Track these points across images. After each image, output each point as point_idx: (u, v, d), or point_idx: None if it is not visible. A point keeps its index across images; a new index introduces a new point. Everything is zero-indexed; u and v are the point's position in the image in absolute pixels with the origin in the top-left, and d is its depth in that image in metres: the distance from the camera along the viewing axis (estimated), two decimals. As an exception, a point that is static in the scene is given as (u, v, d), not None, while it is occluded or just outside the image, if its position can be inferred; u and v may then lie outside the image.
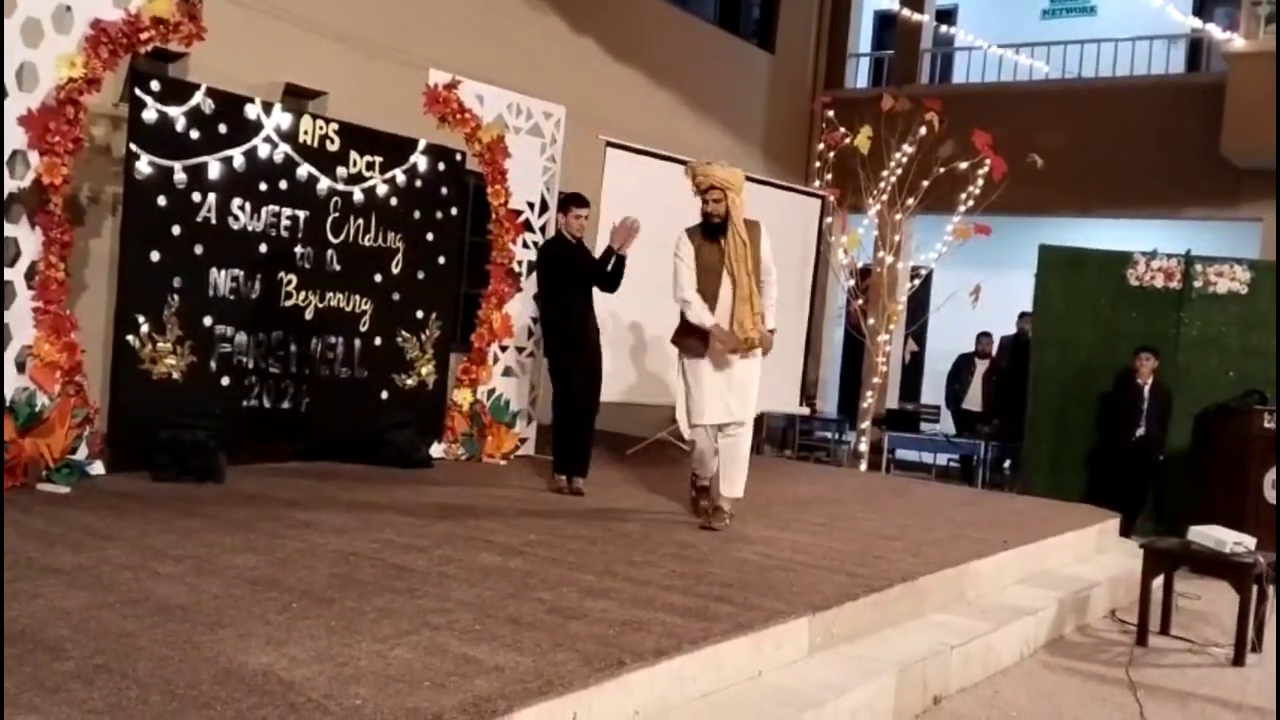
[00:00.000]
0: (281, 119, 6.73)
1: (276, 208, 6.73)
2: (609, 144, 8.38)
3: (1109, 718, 4.62)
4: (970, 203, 10.38)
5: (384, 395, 7.38)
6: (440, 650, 3.30)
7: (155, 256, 6.20)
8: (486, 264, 7.93)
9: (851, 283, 11.12)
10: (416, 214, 7.46)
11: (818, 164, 11.08)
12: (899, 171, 10.46)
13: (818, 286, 10.64)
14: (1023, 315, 11.64)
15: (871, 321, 10.90)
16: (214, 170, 6.40)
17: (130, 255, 6.15)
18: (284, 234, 6.78)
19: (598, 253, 6.85)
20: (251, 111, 6.59)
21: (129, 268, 6.15)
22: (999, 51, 13.19)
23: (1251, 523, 7.09)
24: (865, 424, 10.79)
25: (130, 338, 6.12)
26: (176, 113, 6.21)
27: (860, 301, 10.99)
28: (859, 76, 15.05)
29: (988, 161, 10.11)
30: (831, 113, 10.71)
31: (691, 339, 5.89)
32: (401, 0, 9.14)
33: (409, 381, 7.51)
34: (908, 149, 10.33)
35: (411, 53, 8.51)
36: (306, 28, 8.14)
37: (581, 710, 3.11)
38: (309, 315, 6.95)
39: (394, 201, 7.32)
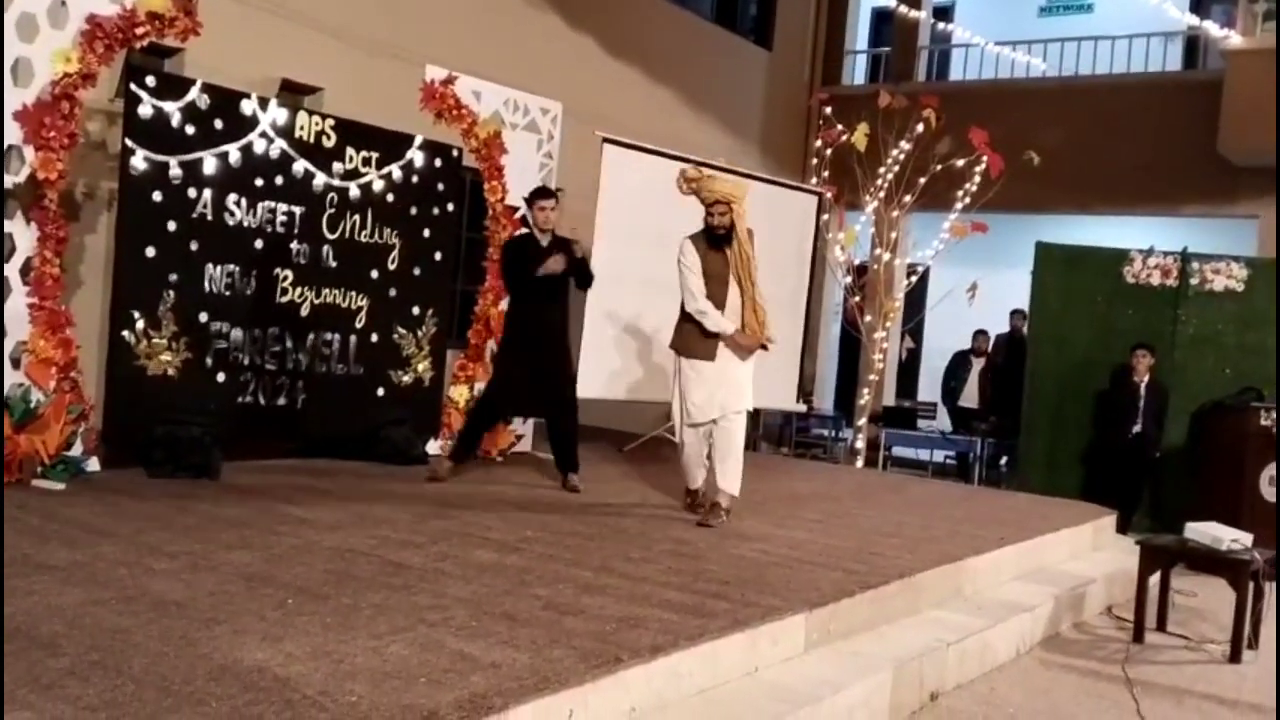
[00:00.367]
0: (277, 114, 6.72)
1: (272, 203, 6.71)
2: (606, 140, 8.37)
3: (1105, 714, 4.62)
4: (967, 200, 10.38)
5: (380, 392, 7.37)
6: (436, 647, 3.29)
7: (151, 252, 6.18)
8: (483, 260, 7.92)
9: (848, 280, 11.12)
10: (413, 210, 7.45)
11: (815, 161, 11.07)
12: (896, 168, 10.46)
13: (814, 283, 10.63)
14: (1015, 313, 11.66)
15: (868, 319, 10.90)
16: (210, 166, 6.39)
17: (125, 251, 6.14)
18: (280, 230, 6.77)
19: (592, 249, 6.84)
20: (247, 107, 6.57)
21: (124, 263, 6.14)
22: (996, 49, 13.19)
23: (1248, 520, 7.10)
24: (862, 421, 10.79)
25: (125, 334, 6.10)
26: (172, 108, 6.20)
27: (857, 299, 10.99)
28: (856, 73, 15.04)
29: (985, 159, 10.12)
30: (829, 110, 10.70)
31: (692, 341, 5.92)
32: (398, -4, 9.12)
33: (405, 378, 7.50)
34: (905, 146, 10.33)
35: (408, 49, 8.49)
36: (303, 23, 8.12)
37: (578, 707, 3.10)
38: (305, 311, 6.94)
39: (390, 197, 7.31)
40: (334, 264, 7.04)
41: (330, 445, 7.06)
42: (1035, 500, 8.14)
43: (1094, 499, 8.33)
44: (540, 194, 6.75)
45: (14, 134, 5.42)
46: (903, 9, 13.33)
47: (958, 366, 11.84)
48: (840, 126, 10.44)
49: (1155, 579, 5.95)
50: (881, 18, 15.47)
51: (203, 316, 6.43)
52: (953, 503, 7.65)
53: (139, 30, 5.74)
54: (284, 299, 6.83)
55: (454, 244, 8.07)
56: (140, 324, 6.15)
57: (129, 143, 6.06)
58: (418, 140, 7.45)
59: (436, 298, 7.67)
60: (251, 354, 6.69)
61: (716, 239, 5.88)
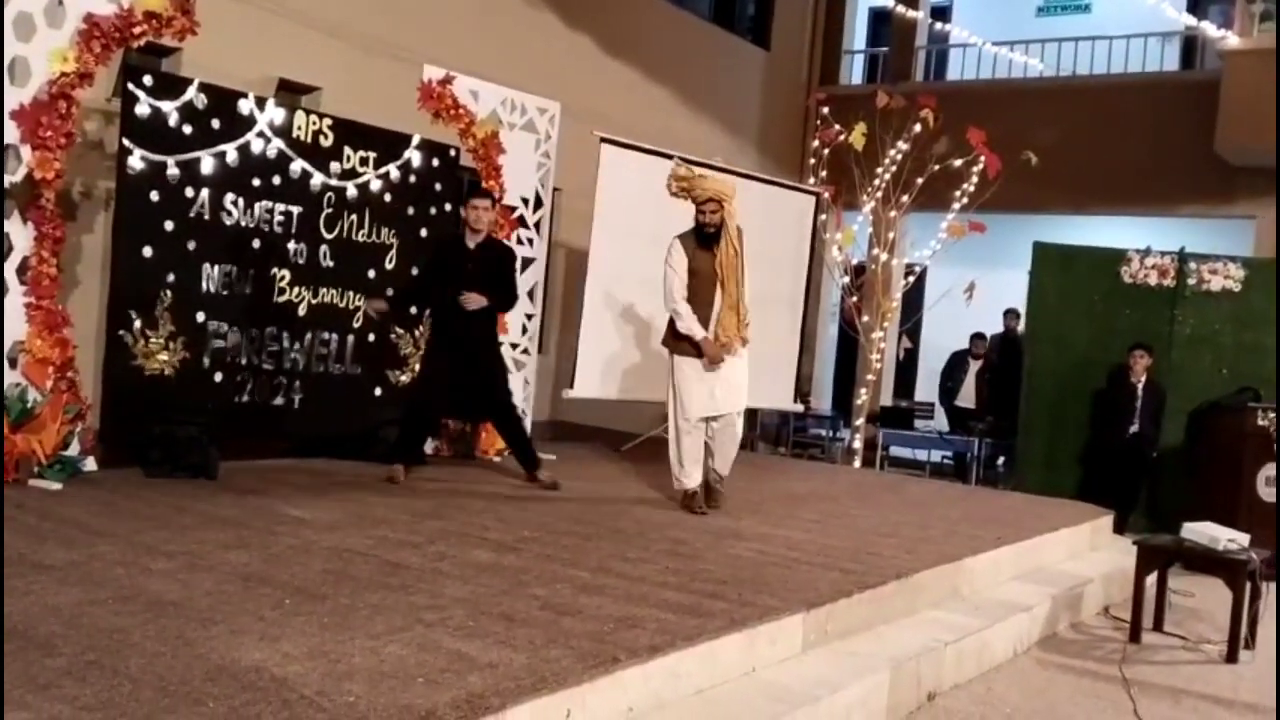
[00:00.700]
0: (275, 114, 6.71)
1: (270, 203, 6.71)
2: (604, 140, 8.37)
3: (1102, 714, 4.62)
4: (965, 200, 10.38)
5: (377, 391, 7.37)
6: (434, 647, 3.29)
7: (148, 252, 6.18)
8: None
9: (846, 280, 11.12)
10: (410, 210, 7.45)
11: (812, 161, 11.06)
12: (893, 168, 10.46)
13: (812, 283, 10.63)
14: (1008, 312, 11.67)
15: (866, 318, 10.90)
16: (207, 166, 6.39)
17: (122, 251, 6.14)
18: (277, 230, 6.77)
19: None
20: (245, 107, 6.57)
21: (121, 263, 6.13)
22: (994, 48, 13.19)
23: (1245, 520, 7.10)
24: (859, 421, 10.79)
25: (123, 333, 6.10)
26: (169, 108, 6.19)
27: (855, 298, 10.99)
28: (854, 73, 15.03)
29: (982, 159, 10.12)
30: (826, 109, 10.70)
31: (682, 340, 6.13)
32: (396, -5, 9.12)
33: (402, 378, 7.49)
34: (902, 146, 10.33)
35: (406, 48, 8.48)
36: (301, 23, 8.11)
37: (576, 707, 3.10)
38: (302, 311, 6.93)
39: (388, 197, 7.31)
40: (331, 264, 7.04)
41: (327, 445, 7.05)
42: (1032, 500, 8.15)
43: (1091, 499, 8.33)
44: (473, 193, 6.67)
45: (11, 133, 5.42)
46: (900, 9, 13.32)
47: (955, 367, 11.85)
48: (838, 126, 10.44)
49: (1152, 579, 5.96)
50: (879, 17, 15.47)
51: (200, 316, 6.43)
52: (950, 503, 7.65)
53: (136, 29, 5.74)
54: (281, 299, 6.83)
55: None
56: (137, 323, 6.15)
57: (126, 142, 6.06)
58: (415, 140, 7.45)
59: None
60: (249, 354, 6.68)
61: (706, 238, 6.04)
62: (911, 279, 11.27)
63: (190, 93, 6.29)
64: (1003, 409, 10.68)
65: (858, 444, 10.67)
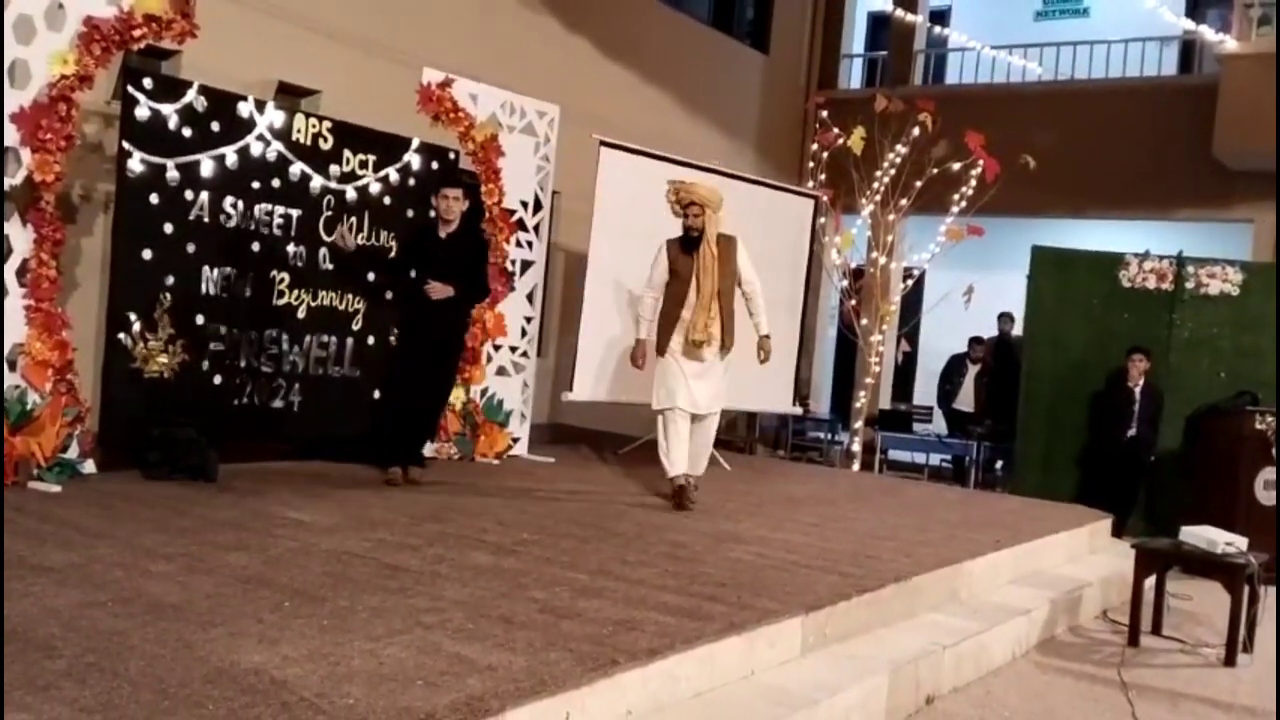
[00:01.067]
0: (274, 117, 6.71)
1: (269, 206, 6.71)
2: (603, 143, 8.37)
3: (1101, 718, 4.63)
4: (963, 204, 10.39)
5: (376, 394, 7.36)
6: (433, 649, 3.29)
7: (147, 255, 6.18)
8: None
9: (845, 283, 11.13)
10: (410, 213, 7.44)
11: (811, 164, 11.06)
12: (892, 172, 10.47)
13: (811, 287, 10.63)
14: (1002, 316, 11.68)
15: (864, 322, 10.91)
16: (206, 168, 6.39)
17: (122, 253, 6.14)
18: (276, 232, 6.77)
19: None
20: (244, 109, 6.57)
21: (121, 266, 6.13)
22: (992, 53, 13.20)
23: (1243, 523, 7.10)
24: (858, 424, 10.79)
25: (122, 336, 6.10)
26: (169, 110, 6.19)
27: (853, 302, 11.00)
28: (852, 77, 15.05)
29: (980, 162, 10.13)
30: (825, 113, 10.70)
31: (664, 338, 6.46)
32: (395, -1, 9.13)
33: (402, 380, 7.48)
34: (901, 149, 10.34)
35: (405, 51, 8.49)
36: (300, 25, 8.11)
37: (574, 709, 3.11)
38: (301, 314, 6.93)
39: (387, 200, 7.31)
40: (330, 266, 7.04)
41: (327, 447, 7.06)
42: (1031, 504, 8.15)
43: (1089, 502, 8.33)
44: (443, 181, 6.68)
45: (11, 136, 5.42)
46: (899, 13, 13.34)
47: (953, 370, 11.86)
48: (837, 130, 10.45)
49: (1151, 582, 5.96)
50: (878, 22, 15.49)
51: (199, 319, 6.42)
52: (949, 506, 7.66)
53: (136, 32, 5.74)
54: (280, 301, 6.83)
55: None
56: (137, 326, 6.14)
57: (126, 145, 6.06)
58: (415, 143, 7.45)
59: (433, 300, 7.65)
60: (248, 356, 6.68)
61: (690, 241, 6.41)
62: (910, 282, 11.28)
63: (190, 95, 6.29)
64: (1001, 412, 10.68)
65: (856, 447, 10.68)
